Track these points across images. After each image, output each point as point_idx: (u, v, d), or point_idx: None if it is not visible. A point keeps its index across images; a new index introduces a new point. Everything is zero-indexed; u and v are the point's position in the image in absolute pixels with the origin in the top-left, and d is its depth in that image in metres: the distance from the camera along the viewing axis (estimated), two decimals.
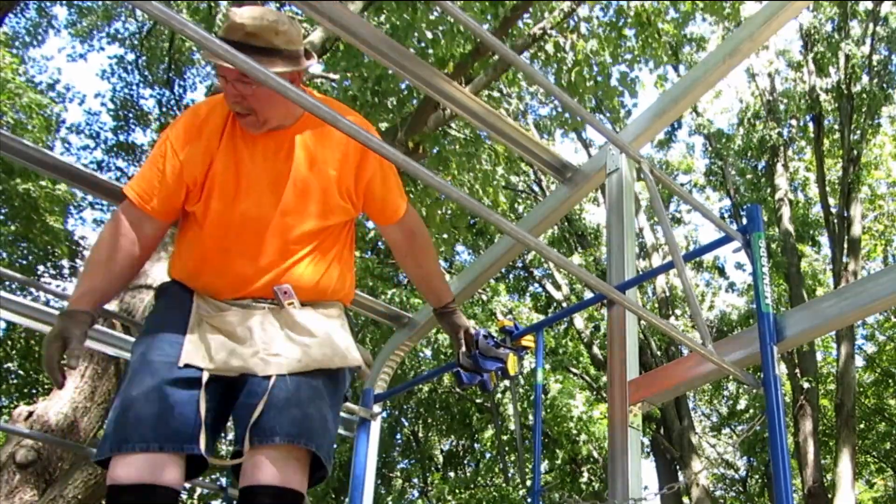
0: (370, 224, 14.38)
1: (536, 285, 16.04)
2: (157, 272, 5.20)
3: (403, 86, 7.19)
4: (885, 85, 12.73)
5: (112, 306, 5.36)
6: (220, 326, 1.92)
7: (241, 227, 1.96)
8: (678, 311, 14.75)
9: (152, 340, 1.91)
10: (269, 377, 1.85)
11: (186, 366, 1.84)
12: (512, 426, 14.15)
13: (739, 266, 17.85)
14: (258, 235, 1.95)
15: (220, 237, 1.98)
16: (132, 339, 3.45)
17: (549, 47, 7.67)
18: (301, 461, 1.81)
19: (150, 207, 2.00)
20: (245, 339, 1.89)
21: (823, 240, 15.31)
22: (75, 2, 12.35)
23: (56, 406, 5.08)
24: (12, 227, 10.88)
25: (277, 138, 2.01)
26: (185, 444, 1.78)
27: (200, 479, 2.52)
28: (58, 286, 10.40)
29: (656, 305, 14.44)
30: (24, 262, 11.38)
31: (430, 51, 6.95)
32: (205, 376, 1.85)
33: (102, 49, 12.80)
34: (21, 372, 11.93)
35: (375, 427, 3.73)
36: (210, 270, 1.98)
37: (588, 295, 13.90)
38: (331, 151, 2.03)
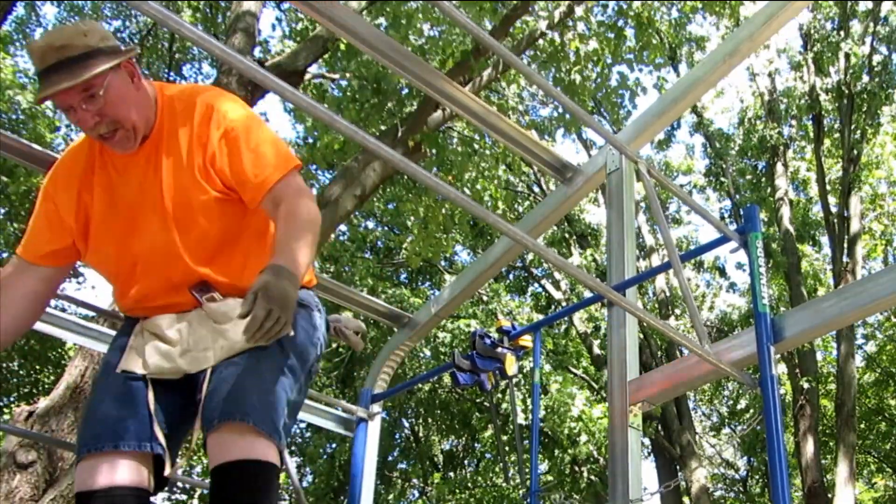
0: (370, 224, 14.41)
1: (536, 285, 16.05)
2: None
3: (404, 86, 7.19)
4: (885, 84, 12.72)
5: (114, 306, 5.36)
6: (153, 331, 1.95)
7: (145, 260, 1.93)
8: (678, 312, 14.76)
9: (107, 353, 2.01)
10: (204, 372, 1.87)
11: (125, 371, 1.89)
12: (512, 426, 14.15)
13: (740, 266, 17.85)
14: (163, 262, 1.92)
15: (129, 276, 1.97)
16: None
17: (547, 44, 7.67)
18: (248, 435, 1.72)
19: (33, 257, 2.00)
20: (175, 341, 1.91)
21: (824, 239, 15.31)
22: (71, 1, 12.33)
23: (56, 406, 5.08)
24: (14, 227, 10.89)
25: (143, 153, 1.93)
26: (143, 441, 1.81)
27: (200, 479, 2.52)
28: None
29: (656, 306, 14.44)
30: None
31: (429, 47, 6.95)
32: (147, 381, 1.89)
33: None
34: (21, 372, 11.94)
35: (374, 427, 3.73)
36: (135, 306, 1.99)
37: (588, 294, 13.90)
38: (186, 143, 1.92)
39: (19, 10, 12.16)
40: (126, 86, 1.86)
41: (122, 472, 1.76)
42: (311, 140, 11.43)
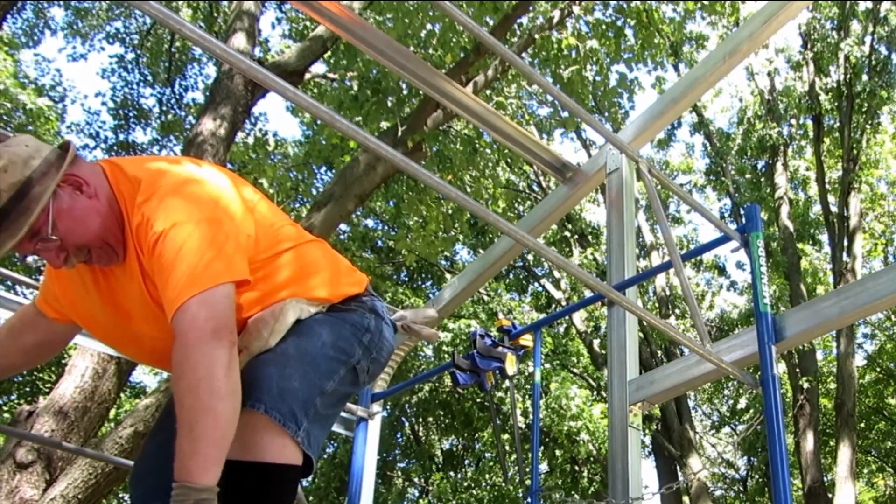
0: (370, 223, 14.42)
1: (537, 284, 16.06)
2: None
3: (403, 84, 7.19)
4: (885, 84, 12.73)
5: None
6: None
7: (156, 357, 1.83)
8: (678, 311, 14.76)
9: (163, 407, 2.00)
10: None
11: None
12: (511, 426, 14.15)
13: (740, 266, 17.87)
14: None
15: (141, 360, 1.95)
16: None
17: (543, 42, 7.68)
18: (261, 428, 1.58)
19: (44, 310, 1.91)
20: None
21: (824, 238, 15.33)
22: (73, 2, 12.35)
23: (56, 406, 5.09)
24: None
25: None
26: None
27: None
28: None
29: (656, 305, 14.45)
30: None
31: (431, 48, 6.96)
32: None
33: (103, 49, 12.74)
34: (21, 371, 11.93)
35: (374, 426, 3.74)
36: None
37: (588, 294, 13.90)
38: (144, 256, 1.66)
39: (27, 12, 12.20)
40: (75, 203, 1.61)
41: None
42: (310, 133, 11.46)
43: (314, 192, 11.21)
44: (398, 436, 16.35)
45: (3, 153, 1.55)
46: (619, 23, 8.02)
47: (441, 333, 11.54)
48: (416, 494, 16.92)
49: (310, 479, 14.32)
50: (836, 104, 13.48)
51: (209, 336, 1.50)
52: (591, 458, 13.72)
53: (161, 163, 1.77)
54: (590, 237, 15.25)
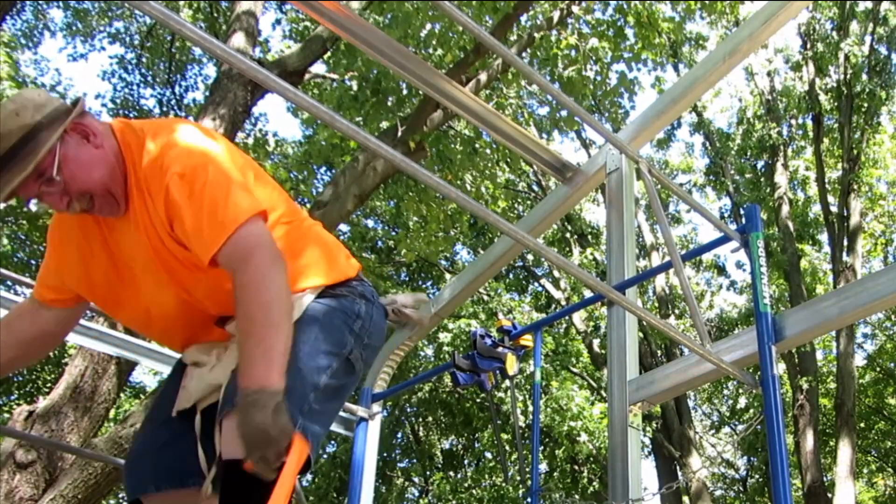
0: (370, 223, 14.42)
1: (536, 284, 16.06)
2: None
3: (403, 84, 7.20)
4: (884, 84, 12.73)
5: None
6: (193, 360, 1.91)
7: (158, 316, 1.86)
8: (678, 311, 14.76)
9: (159, 391, 1.97)
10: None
11: (178, 412, 1.84)
12: (512, 426, 14.14)
13: (740, 266, 17.87)
14: (176, 318, 1.85)
15: (147, 328, 1.95)
16: (133, 339, 3.48)
17: (541, 42, 7.68)
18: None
19: (42, 297, 1.93)
20: (208, 361, 1.86)
21: (824, 238, 15.33)
22: (73, 3, 12.34)
23: (56, 406, 5.09)
24: (14, 226, 10.90)
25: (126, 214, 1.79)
26: (187, 478, 1.75)
27: None
28: None
29: (656, 305, 14.45)
30: (24, 255, 11.38)
31: (431, 48, 6.96)
32: (198, 409, 1.84)
33: (104, 49, 12.72)
34: (21, 371, 11.94)
35: (374, 426, 3.73)
36: (171, 346, 1.99)
37: (588, 294, 13.91)
38: (150, 201, 1.72)
39: (27, 14, 12.20)
40: (81, 150, 1.68)
41: None
42: (310, 132, 11.45)
43: (314, 192, 11.20)
44: (398, 436, 16.34)
45: (17, 98, 1.66)
46: (619, 23, 8.02)
47: (441, 333, 11.54)
48: (416, 494, 16.92)
49: (310, 478, 14.33)
50: (835, 104, 13.48)
51: (272, 260, 1.62)
52: (591, 458, 13.72)
53: (166, 122, 1.85)
54: (590, 237, 15.24)
